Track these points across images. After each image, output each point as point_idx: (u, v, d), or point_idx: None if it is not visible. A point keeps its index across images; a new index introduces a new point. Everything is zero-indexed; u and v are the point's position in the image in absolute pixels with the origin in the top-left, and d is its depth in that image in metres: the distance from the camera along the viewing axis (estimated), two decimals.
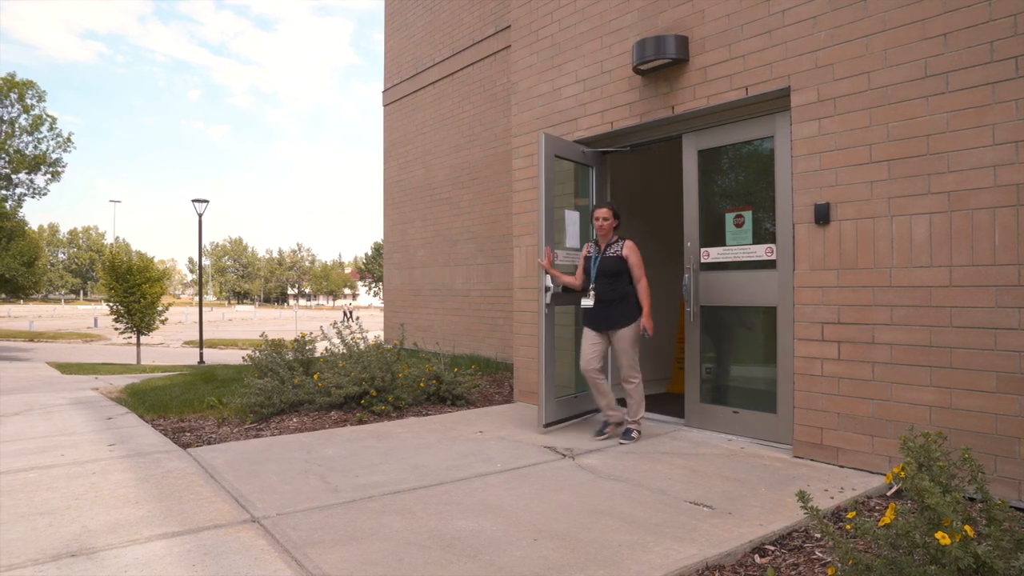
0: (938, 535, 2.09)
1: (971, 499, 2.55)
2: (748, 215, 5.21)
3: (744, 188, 5.45)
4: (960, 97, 3.90)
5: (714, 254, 5.40)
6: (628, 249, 5.20)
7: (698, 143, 5.53)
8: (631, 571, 2.83)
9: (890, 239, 4.20)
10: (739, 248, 5.23)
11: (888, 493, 3.91)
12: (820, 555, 3.04)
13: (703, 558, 2.97)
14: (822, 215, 4.50)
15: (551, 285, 5.57)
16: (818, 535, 3.23)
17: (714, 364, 5.60)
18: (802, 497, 2.45)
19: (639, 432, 5.27)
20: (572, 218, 6.11)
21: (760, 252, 5.09)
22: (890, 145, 4.19)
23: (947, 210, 3.96)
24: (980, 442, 3.78)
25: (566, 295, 5.82)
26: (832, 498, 3.76)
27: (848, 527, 2.38)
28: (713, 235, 5.45)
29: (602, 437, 5.26)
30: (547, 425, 5.59)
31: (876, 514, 3.55)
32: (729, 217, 5.33)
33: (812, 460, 4.55)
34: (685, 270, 5.53)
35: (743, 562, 3.02)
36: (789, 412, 4.80)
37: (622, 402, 5.43)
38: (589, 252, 5.43)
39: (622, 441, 5.18)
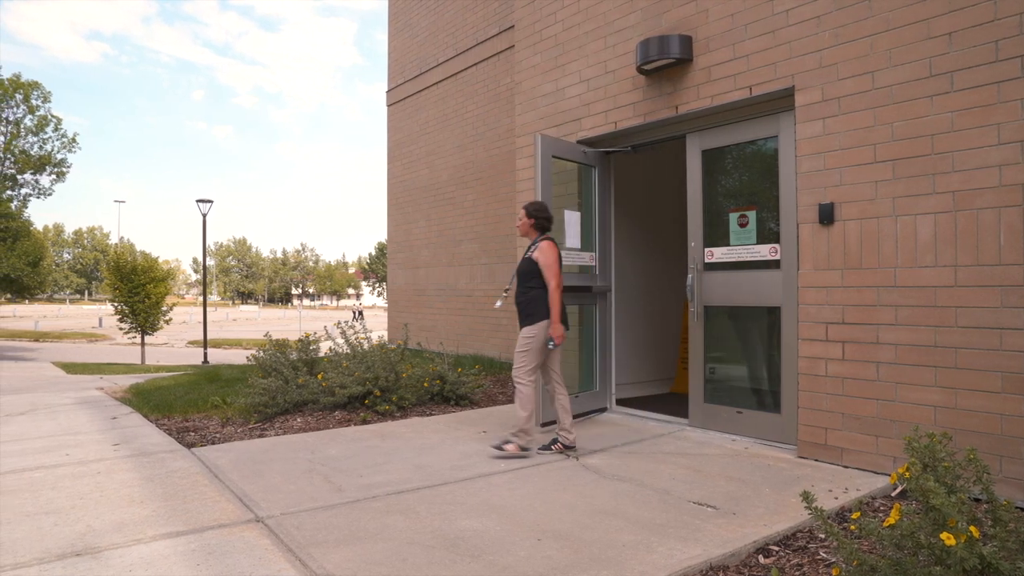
0: (943, 536, 2.09)
1: (976, 500, 2.54)
2: (752, 215, 5.20)
3: (748, 188, 5.44)
4: (965, 96, 3.89)
5: (718, 254, 5.40)
6: (539, 251, 4.80)
7: (702, 143, 5.52)
8: (635, 571, 2.83)
9: (895, 239, 4.19)
10: (743, 248, 5.23)
11: (893, 494, 3.90)
12: (824, 555, 3.03)
13: (707, 558, 2.96)
14: (826, 215, 4.49)
15: None
16: (822, 535, 3.23)
17: (718, 364, 5.59)
18: (806, 497, 2.45)
19: (519, 447, 4.69)
20: (573, 218, 6.11)
21: (764, 252, 5.08)
22: (895, 145, 4.18)
23: (952, 210, 3.95)
24: (985, 442, 3.77)
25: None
26: (836, 498, 3.75)
27: (853, 528, 2.37)
28: (717, 235, 5.44)
29: (500, 455, 4.68)
30: (544, 425, 5.59)
31: (881, 515, 3.54)
32: (733, 217, 5.32)
33: (816, 460, 4.54)
34: (689, 270, 5.52)
35: (747, 562, 3.02)
36: (793, 412, 4.79)
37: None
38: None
39: (494, 452, 4.70)
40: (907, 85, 4.13)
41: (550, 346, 4.75)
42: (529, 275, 4.82)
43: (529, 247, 4.96)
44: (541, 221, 4.97)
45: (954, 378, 3.94)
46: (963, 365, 3.90)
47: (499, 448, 4.72)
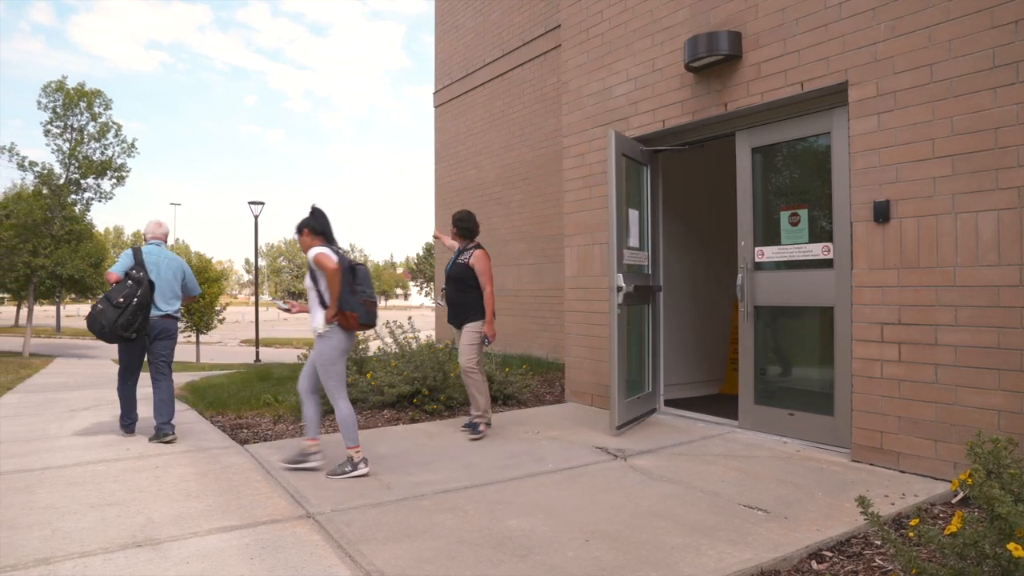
0: (1010, 546, 2.01)
1: None
2: (804, 213, 5.09)
3: (799, 186, 5.33)
4: None
5: (769, 253, 5.29)
6: (475, 259, 5.46)
7: (752, 140, 5.43)
8: (684, 574, 2.80)
9: (954, 237, 4.05)
10: (795, 247, 5.12)
11: (953, 501, 3.77)
12: (881, 563, 2.95)
13: (758, 563, 2.91)
14: (882, 213, 4.37)
15: (623, 285, 5.39)
16: (879, 542, 3.13)
17: (768, 365, 5.48)
18: (862, 502, 2.38)
19: (486, 425, 5.46)
20: (635, 217, 6.02)
21: (816, 251, 4.97)
22: (954, 140, 4.04)
23: (1017, 206, 3.79)
24: None
25: (638, 295, 5.74)
26: (893, 504, 3.65)
27: (911, 535, 2.30)
28: (768, 234, 5.34)
29: (476, 437, 5.33)
30: (620, 427, 5.45)
31: (940, 522, 3.43)
32: (784, 215, 5.21)
33: (871, 464, 4.42)
34: (739, 269, 5.43)
35: (799, 568, 2.95)
36: (847, 415, 4.67)
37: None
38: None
39: (472, 436, 5.32)
40: (968, 77, 3.98)
41: (486, 343, 5.50)
42: (464, 279, 5.48)
43: (459, 253, 5.59)
44: (462, 230, 5.64)
45: (1019, 381, 3.78)
46: None
47: (475, 433, 5.34)
